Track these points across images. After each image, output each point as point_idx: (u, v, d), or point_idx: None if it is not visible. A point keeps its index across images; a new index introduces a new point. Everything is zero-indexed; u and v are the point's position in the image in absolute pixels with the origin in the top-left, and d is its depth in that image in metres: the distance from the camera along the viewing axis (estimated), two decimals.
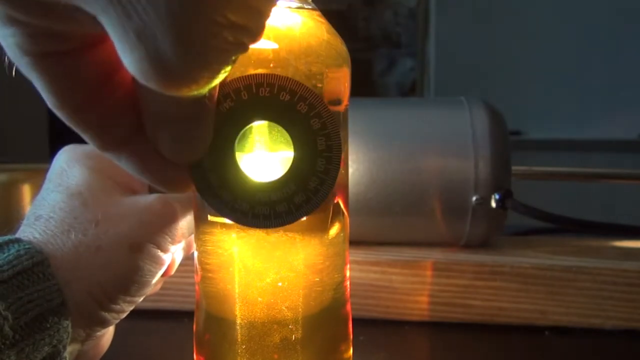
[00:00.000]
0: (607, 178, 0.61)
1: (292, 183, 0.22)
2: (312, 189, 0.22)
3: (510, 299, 0.41)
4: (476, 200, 0.44)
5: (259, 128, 0.24)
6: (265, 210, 0.22)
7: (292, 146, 0.22)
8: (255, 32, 0.16)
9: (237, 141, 0.22)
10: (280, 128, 0.22)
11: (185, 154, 0.20)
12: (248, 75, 0.22)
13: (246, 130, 0.23)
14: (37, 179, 0.50)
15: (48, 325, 0.23)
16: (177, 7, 0.14)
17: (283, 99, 0.21)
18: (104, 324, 0.26)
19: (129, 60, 0.15)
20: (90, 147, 0.29)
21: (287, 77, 0.22)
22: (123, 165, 0.21)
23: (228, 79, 0.21)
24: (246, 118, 0.22)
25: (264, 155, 0.24)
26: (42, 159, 0.56)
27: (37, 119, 0.86)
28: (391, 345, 0.39)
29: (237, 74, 0.22)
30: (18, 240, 0.24)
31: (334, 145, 0.22)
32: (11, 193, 0.51)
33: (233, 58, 0.16)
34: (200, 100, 0.18)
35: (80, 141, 0.28)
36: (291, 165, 0.22)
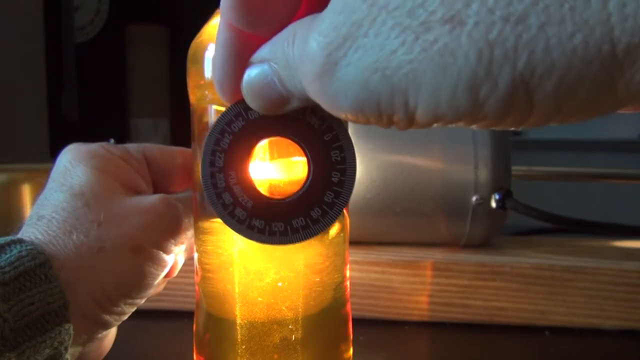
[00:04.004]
0: (607, 178, 0.62)
1: (308, 197, 0.22)
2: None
3: (510, 299, 0.41)
4: (476, 200, 0.44)
5: (271, 145, 0.24)
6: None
7: (305, 160, 0.22)
8: None
9: (250, 161, 0.22)
10: (292, 143, 0.22)
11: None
12: None
13: (259, 147, 0.23)
14: (37, 179, 0.50)
15: (49, 327, 0.23)
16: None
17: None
18: (106, 326, 0.26)
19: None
20: (94, 146, 0.29)
21: None
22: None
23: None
24: (258, 136, 0.22)
25: (278, 172, 0.24)
26: (42, 159, 0.56)
27: (37, 119, 0.86)
28: (391, 345, 0.39)
29: None
30: (20, 241, 0.24)
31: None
32: (11, 193, 0.51)
33: None
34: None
35: (83, 141, 0.28)
36: (306, 180, 0.22)
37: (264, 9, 0.19)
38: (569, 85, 0.13)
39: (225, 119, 0.22)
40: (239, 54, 0.20)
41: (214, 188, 0.22)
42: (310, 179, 0.22)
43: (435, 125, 0.16)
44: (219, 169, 0.22)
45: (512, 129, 0.15)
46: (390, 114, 0.16)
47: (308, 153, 0.22)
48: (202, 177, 0.22)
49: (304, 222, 0.22)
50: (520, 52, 0.13)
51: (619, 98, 0.14)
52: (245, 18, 0.19)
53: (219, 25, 0.20)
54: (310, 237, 0.22)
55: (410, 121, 0.16)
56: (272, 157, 0.24)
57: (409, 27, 0.14)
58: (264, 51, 0.19)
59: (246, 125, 0.22)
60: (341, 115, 0.17)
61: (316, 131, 0.22)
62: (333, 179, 0.22)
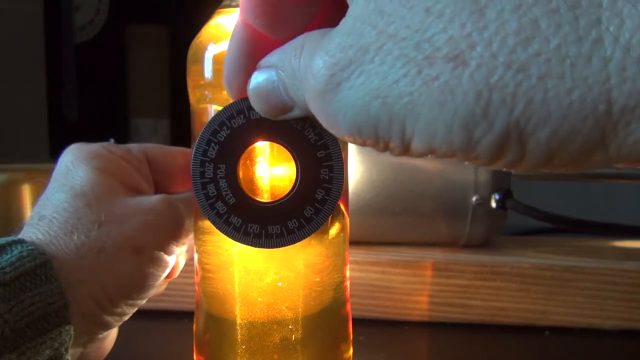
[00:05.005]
0: (607, 178, 0.61)
1: (288, 207, 0.22)
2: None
3: (510, 299, 0.41)
4: (476, 200, 0.44)
5: (264, 148, 0.24)
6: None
7: (293, 171, 0.22)
8: None
9: (241, 158, 0.22)
10: (284, 150, 0.22)
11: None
12: None
13: (251, 149, 0.23)
14: (37, 179, 0.50)
15: (50, 328, 0.23)
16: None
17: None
18: (106, 326, 0.26)
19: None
20: (96, 146, 0.29)
21: None
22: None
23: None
24: (254, 136, 0.22)
25: (265, 176, 0.24)
26: (42, 159, 0.56)
27: (37, 119, 0.86)
28: (391, 345, 0.39)
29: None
30: (21, 241, 0.24)
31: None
32: (11, 193, 0.51)
33: None
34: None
35: (83, 140, 0.28)
36: (290, 190, 0.22)
37: (280, 14, 0.19)
38: (562, 137, 0.14)
39: (226, 113, 0.22)
40: (251, 54, 0.20)
41: (201, 177, 0.22)
42: (294, 190, 0.22)
43: (430, 156, 0.16)
44: (209, 160, 0.22)
45: (505, 170, 0.16)
46: (387, 140, 0.16)
47: (298, 164, 0.22)
48: (192, 163, 0.22)
49: (279, 230, 0.22)
50: (519, 99, 0.14)
51: (610, 156, 0.14)
52: (261, 19, 0.19)
53: (236, 22, 0.20)
54: (281, 246, 0.22)
55: (405, 149, 0.16)
56: (265, 160, 0.24)
57: (414, 60, 0.15)
58: (273, 57, 0.19)
59: (246, 123, 0.22)
60: (338, 135, 0.17)
61: (311, 146, 0.22)
62: (317, 195, 0.22)
